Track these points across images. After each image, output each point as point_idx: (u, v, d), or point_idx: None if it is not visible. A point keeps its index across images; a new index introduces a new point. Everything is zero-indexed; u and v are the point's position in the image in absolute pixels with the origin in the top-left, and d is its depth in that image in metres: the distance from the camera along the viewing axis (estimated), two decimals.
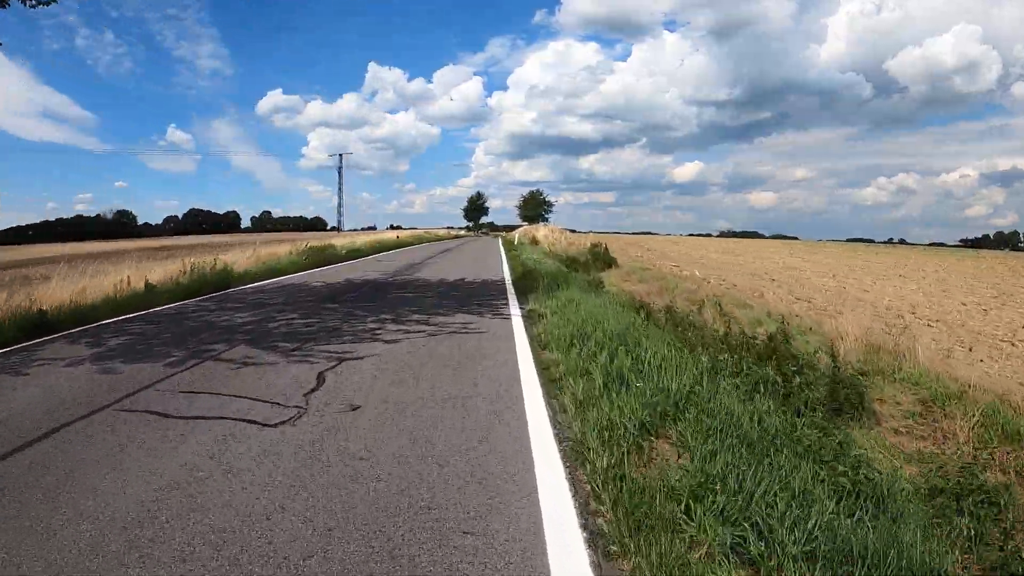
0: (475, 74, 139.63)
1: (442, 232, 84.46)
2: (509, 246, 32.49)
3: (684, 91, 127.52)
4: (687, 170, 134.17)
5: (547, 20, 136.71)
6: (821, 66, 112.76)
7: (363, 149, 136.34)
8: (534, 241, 35.65)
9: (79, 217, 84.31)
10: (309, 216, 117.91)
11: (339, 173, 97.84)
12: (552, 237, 34.08)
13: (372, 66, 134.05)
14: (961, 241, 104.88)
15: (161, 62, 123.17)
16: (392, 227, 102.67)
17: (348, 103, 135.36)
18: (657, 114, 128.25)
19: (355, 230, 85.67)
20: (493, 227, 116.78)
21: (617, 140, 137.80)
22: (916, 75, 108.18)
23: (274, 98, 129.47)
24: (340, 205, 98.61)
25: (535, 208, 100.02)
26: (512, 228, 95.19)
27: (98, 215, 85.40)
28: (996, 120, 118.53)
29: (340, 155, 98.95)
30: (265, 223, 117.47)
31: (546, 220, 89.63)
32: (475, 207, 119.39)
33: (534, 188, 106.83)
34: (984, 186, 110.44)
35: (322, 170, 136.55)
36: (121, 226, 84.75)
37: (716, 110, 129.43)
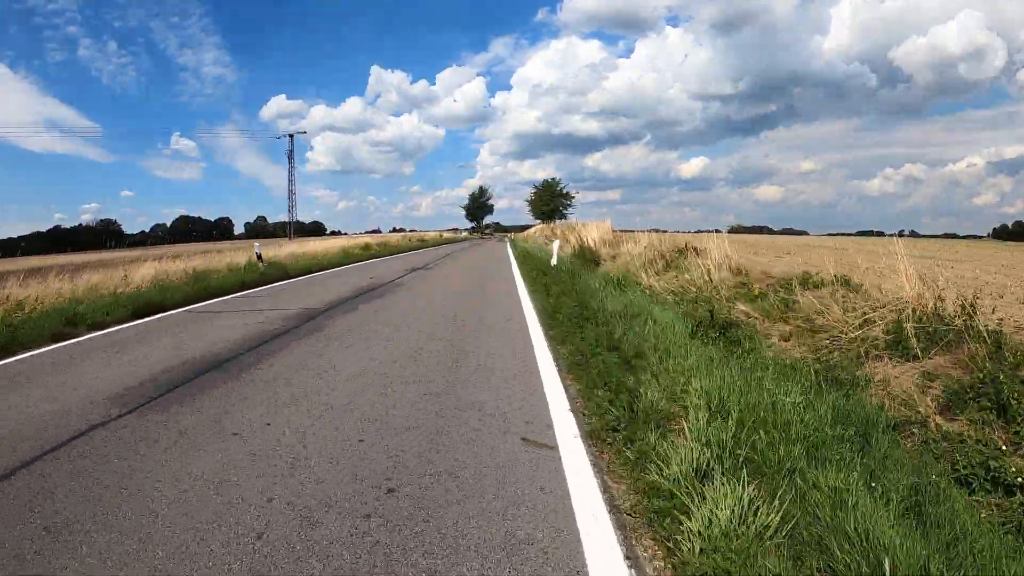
0: (478, 74, 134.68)
1: (431, 235, 64.66)
2: (535, 271, 13.42)
3: (688, 86, 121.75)
4: (693, 166, 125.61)
5: (549, 18, 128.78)
6: (826, 57, 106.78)
7: (368, 153, 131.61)
8: (584, 252, 16.67)
9: (57, 228, 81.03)
10: (307, 221, 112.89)
11: (289, 160, 72.66)
12: (636, 249, 14.97)
13: (375, 69, 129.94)
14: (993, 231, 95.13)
15: (165, 70, 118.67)
16: (395, 230, 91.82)
17: (352, 107, 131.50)
18: (662, 110, 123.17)
19: (359, 233, 76.08)
20: (500, 227, 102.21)
21: (622, 137, 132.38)
22: (921, 64, 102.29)
23: (278, 103, 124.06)
24: (291, 204, 73.42)
25: (551, 201, 78.41)
26: (523, 228, 79.07)
27: (79, 224, 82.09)
28: (1002, 108, 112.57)
29: (291, 136, 72.28)
30: (260, 229, 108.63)
31: (564, 216, 69.88)
32: (478, 205, 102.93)
33: (549, 178, 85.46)
34: (991, 175, 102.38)
35: (328, 175, 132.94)
36: (108, 235, 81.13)
37: (721, 104, 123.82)
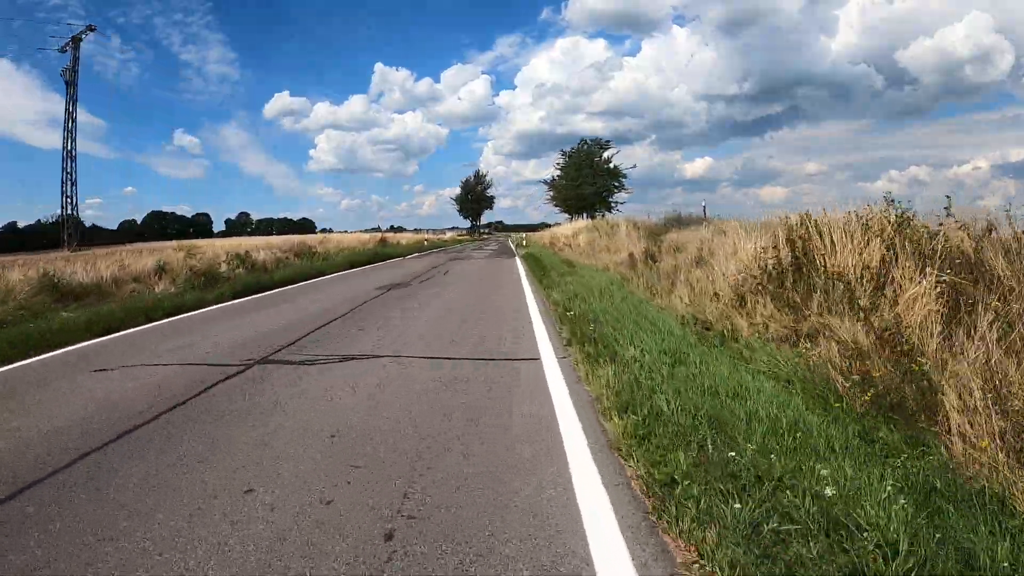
0: (483, 73, 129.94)
1: (349, 239, 33.80)
2: None
3: (694, 86, 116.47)
4: (697, 166, 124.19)
5: (553, 17, 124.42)
6: (832, 58, 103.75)
7: (371, 151, 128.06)
8: None
9: (11, 224, 73.72)
10: (295, 218, 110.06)
11: (68, 86, 41.59)
12: None
13: (379, 67, 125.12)
14: None
15: (168, 67, 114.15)
16: (393, 229, 79.77)
17: (356, 105, 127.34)
18: (666, 110, 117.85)
19: (359, 232, 61.25)
20: (502, 227, 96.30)
21: (626, 137, 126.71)
22: (927, 66, 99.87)
23: (281, 100, 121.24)
24: (67, 181, 41.46)
25: (593, 181, 44.22)
26: (531, 228, 62.96)
27: (38, 220, 76.69)
28: (1008, 110, 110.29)
29: (74, 41, 41.90)
30: (244, 226, 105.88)
31: (611, 209, 43.15)
32: (473, 197, 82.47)
33: (589, 138, 50.16)
34: (996, 177, 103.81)
35: (332, 173, 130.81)
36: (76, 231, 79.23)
37: (726, 105, 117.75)
